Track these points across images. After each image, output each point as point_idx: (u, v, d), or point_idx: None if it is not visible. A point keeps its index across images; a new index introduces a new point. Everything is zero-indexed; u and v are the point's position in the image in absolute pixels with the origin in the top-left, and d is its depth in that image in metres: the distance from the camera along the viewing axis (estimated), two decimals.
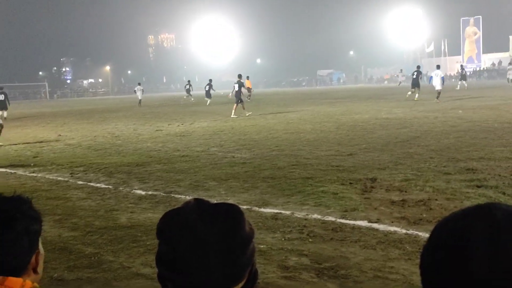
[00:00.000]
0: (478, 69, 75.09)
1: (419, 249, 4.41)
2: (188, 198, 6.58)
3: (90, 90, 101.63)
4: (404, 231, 5.01)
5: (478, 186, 6.62)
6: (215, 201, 1.03)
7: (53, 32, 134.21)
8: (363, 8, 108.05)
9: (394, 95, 32.86)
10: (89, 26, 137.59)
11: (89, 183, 8.37)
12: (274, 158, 9.79)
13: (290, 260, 4.39)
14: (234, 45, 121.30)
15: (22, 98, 78.01)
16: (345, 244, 4.72)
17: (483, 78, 69.16)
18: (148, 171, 9.20)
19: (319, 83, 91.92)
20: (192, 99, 40.89)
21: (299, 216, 5.73)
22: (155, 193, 7.36)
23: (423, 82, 33.07)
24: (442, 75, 25.97)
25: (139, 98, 37.64)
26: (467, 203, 5.71)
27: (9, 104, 27.31)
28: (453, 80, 64.29)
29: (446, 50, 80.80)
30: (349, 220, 5.48)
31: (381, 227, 5.18)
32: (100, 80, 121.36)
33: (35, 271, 1.31)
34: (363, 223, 5.33)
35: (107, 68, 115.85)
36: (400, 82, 46.26)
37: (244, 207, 6.04)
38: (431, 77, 26.91)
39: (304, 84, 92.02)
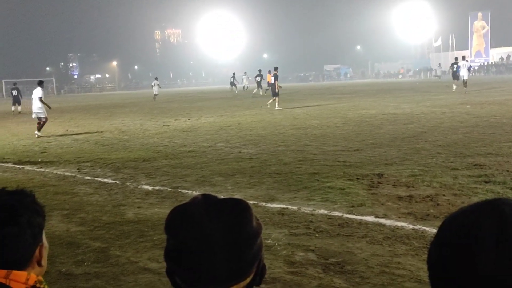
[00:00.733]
0: (486, 63, 74.59)
1: (426, 244, 4.41)
2: (195, 193, 6.59)
3: (97, 85, 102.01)
4: (411, 226, 5.00)
5: (486, 182, 6.59)
6: (222, 197, 1.03)
7: (60, 28, 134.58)
8: (370, 3, 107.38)
9: (402, 90, 32.73)
10: (95, 21, 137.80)
11: (96, 178, 8.41)
12: (280, 154, 9.78)
13: (296, 256, 4.40)
14: (241, 40, 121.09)
15: (30, 93, 78.39)
16: (352, 240, 4.71)
17: (491, 72, 68.69)
18: (155, 166, 9.22)
19: (326, 78, 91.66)
20: (237, 91, 41.80)
21: (305, 211, 5.73)
22: (161, 188, 7.38)
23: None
24: (469, 65, 27.55)
25: (155, 93, 38.31)
26: (475, 199, 5.69)
27: (21, 98, 30.07)
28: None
29: (454, 44, 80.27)
30: (356, 215, 5.47)
31: (388, 222, 5.17)
32: (107, 75, 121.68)
33: (39, 264, 1.32)
34: (370, 219, 5.32)
35: (114, 63, 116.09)
36: (440, 76, 47.58)
37: (251, 202, 6.05)
38: (459, 67, 28.16)
39: (310, 79, 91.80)
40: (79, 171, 9.18)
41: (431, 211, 5.47)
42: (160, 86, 41.30)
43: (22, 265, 1.27)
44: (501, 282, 0.69)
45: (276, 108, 21.69)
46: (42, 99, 15.80)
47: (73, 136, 15.27)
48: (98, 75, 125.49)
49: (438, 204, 5.71)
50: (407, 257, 4.23)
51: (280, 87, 23.80)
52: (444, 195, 6.09)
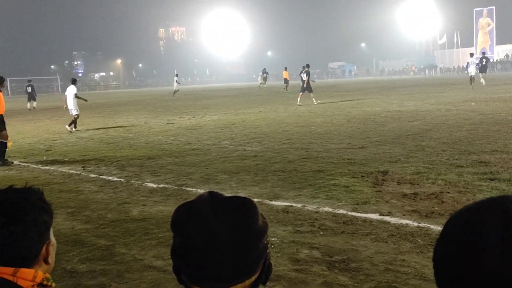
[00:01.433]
0: (491, 60, 74.25)
1: (431, 242, 4.40)
2: (199, 191, 6.62)
3: (102, 83, 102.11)
4: (415, 224, 4.99)
5: (491, 179, 6.56)
6: (228, 195, 1.03)
7: (64, 26, 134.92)
8: (375, 0, 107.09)
9: (406, 88, 32.63)
10: (100, 19, 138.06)
11: (101, 176, 8.44)
12: (285, 151, 9.78)
13: (301, 253, 4.40)
14: (245, 38, 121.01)
15: (35, 91, 78.62)
16: (356, 237, 4.71)
17: (496, 70, 68.40)
18: (159, 164, 9.24)
19: (330, 75, 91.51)
20: (266, 85, 43.55)
21: (310, 209, 5.73)
22: (166, 186, 7.40)
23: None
24: (477, 62, 28.64)
25: (174, 88, 39.11)
26: (480, 196, 5.67)
27: (36, 95, 31.61)
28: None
29: (459, 41, 79.94)
30: (361, 213, 5.46)
31: (392, 220, 5.16)
32: (111, 73, 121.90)
33: (46, 261, 1.33)
34: (375, 216, 5.31)
35: (118, 61, 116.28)
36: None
37: (255, 200, 6.03)
38: (468, 63, 29.55)
39: (315, 76, 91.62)
40: (84, 169, 9.21)
41: (436, 208, 5.46)
42: (179, 81, 41.73)
43: (28, 263, 1.28)
44: (506, 279, 0.69)
45: (315, 103, 22.12)
46: (77, 95, 16.82)
47: (78, 134, 15.32)
48: (102, 73, 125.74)
49: (443, 202, 5.70)
50: (411, 254, 4.23)
51: (313, 81, 24.73)
52: (449, 192, 6.07)
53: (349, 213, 5.49)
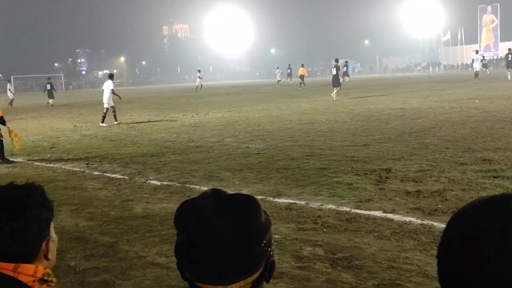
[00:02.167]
0: (495, 57, 73.98)
1: (434, 240, 4.40)
2: (203, 188, 6.62)
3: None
4: (419, 221, 4.99)
5: (495, 177, 6.55)
6: (231, 192, 1.03)
7: (68, 24, 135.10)
8: None
9: (409, 85, 32.55)
10: (103, 17, 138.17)
11: (104, 174, 8.46)
12: (288, 149, 9.78)
13: (304, 251, 4.40)
14: (248, 35, 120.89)
15: (39, 89, 78.80)
16: (360, 235, 4.71)
17: (501, 67, 68.12)
18: (163, 161, 9.26)
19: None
20: (291, 81, 44.79)
21: (313, 206, 5.73)
22: (169, 183, 7.41)
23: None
24: (481, 58, 29.36)
25: (197, 84, 40.16)
26: (483, 194, 5.66)
27: (55, 91, 32.90)
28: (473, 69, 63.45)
29: (463, 38, 79.67)
30: (364, 210, 5.46)
31: (396, 217, 5.16)
32: (115, 71, 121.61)
33: (46, 257, 1.33)
34: (378, 214, 5.31)
35: (122, 59, 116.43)
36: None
37: (258, 197, 6.04)
38: (473, 60, 30.29)
39: (318, 74, 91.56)
40: (87, 166, 9.24)
41: (439, 206, 5.45)
42: (201, 77, 42.09)
43: (29, 259, 1.29)
44: (507, 278, 0.69)
45: (335, 99, 22.38)
46: (114, 91, 17.14)
47: (82, 131, 15.36)
48: (106, 71, 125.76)
49: (446, 199, 5.69)
50: (415, 252, 4.23)
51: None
52: (452, 190, 6.06)
53: (352, 210, 5.49)
